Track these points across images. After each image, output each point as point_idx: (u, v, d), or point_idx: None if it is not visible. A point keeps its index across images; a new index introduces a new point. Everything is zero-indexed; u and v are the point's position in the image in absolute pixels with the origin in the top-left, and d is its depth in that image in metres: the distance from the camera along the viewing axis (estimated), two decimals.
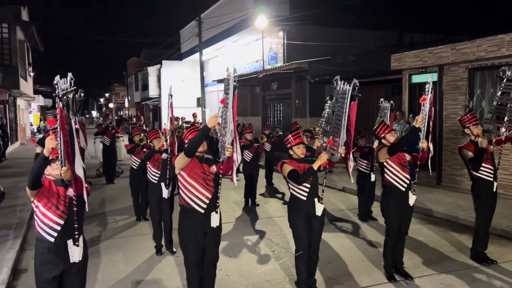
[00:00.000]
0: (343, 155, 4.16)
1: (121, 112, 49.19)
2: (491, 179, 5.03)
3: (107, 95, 62.06)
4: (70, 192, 3.22)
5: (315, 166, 4.19)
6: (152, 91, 31.10)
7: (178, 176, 3.93)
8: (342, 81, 4.26)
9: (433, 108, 4.81)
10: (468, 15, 18.71)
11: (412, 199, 4.76)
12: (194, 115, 15.15)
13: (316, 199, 4.32)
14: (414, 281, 4.72)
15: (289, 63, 14.34)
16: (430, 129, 4.83)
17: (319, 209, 4.31)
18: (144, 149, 6.92)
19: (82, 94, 5.61)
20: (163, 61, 29.10)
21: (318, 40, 16.12)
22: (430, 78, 4.83)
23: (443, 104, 9.21)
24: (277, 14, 16.46)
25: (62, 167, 3.06)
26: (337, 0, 15.71)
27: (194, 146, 3.75)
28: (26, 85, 20.07)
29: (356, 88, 4.18)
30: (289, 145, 4.46)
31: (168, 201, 5.85)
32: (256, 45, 19.13)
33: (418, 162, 4.83)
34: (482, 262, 5.17)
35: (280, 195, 9.57)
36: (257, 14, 15.93)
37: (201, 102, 21.57)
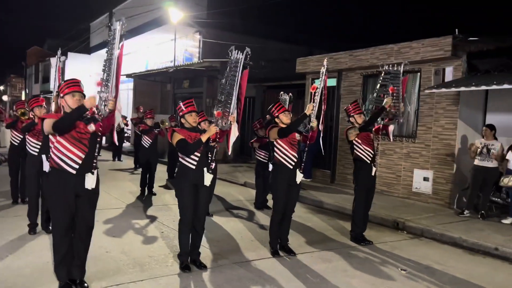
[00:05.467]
0: (233, 123, 4.16)
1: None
2: (369, 162, 5.43)
3: (1, 87, 55.86)
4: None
5: (204, 138, 4.14)
6: (53, 85, 28.74)
7: (50, 136, 3.60)
8: (236, 51, 4.29)
9: (326, 92, 5.07)
10: (368, 28, 20.63)
11: (299, 177, 4.92)
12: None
13: (205, 169, 4.25)
14: (296, 256, 4.86)
15: (202, 60, 14.28)
16: (323, 112, 5.07)
17: (207, 179, 4.25)
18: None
19: None
20: (69, 53, 27.09)
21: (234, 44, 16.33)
22: (324, 65, 5.12)
23: (340, 107, 9.84)
24: (193, 15, 16.39)
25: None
26: (253, 10, 16.27)
27: (66, 126, 3.48)
28: None
29: (248, 56, 4.23)
30: (181, 113, 4.36)
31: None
32: (170, 46, 18.77)
33: (308, 142, 5.03)
34: (360, 243, 5.52)
35: None
36: (170, 10, 15.67)
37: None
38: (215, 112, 4.28)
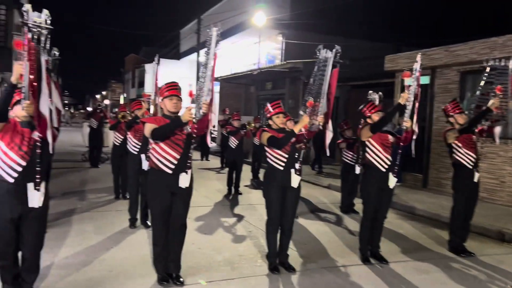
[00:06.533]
0: (321, 124, 4.07)
1: (117, 109, 48.62)
2: (471, 167, 4.95)
3: (104, 92, 61.63)
4: (36, 134, 3.11)
5: (296, 128, 4.06)
6: (148, 89, 30.91)
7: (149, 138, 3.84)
8: (325, 50, 4.18)
9: (419, 88, 4.72)
10: (460, 22, 19.03)
11: (392, 181, 4.65)
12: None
13: (293, 170, 4.21)
14: (389, 265, 4.61)
15: (285, 62, 14.34)
16: (416, 110, 4.70)
17: (295, 180, 4.21)
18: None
19: (57, 54, 5.30)
20: (161, 59, 28.95)
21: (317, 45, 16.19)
22: (417, 61, 4.78)
23: (434, 106, 9.19)
24: (276, 18, 16.56)
25: (25, 99, 2.92)
26: (335, 9, 16.02)
27: (162, 136, 3.69)
28: None
29: (338, 55, 4.10)
30: (268, 115, 4.38)
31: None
32: (254, 49, 19.15)
33: (401, 144, 4.73)
34: (459, 254, 5.07)
35: None
36: (256, 12, 15.97)
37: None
38: (306, 104, 4.12)
